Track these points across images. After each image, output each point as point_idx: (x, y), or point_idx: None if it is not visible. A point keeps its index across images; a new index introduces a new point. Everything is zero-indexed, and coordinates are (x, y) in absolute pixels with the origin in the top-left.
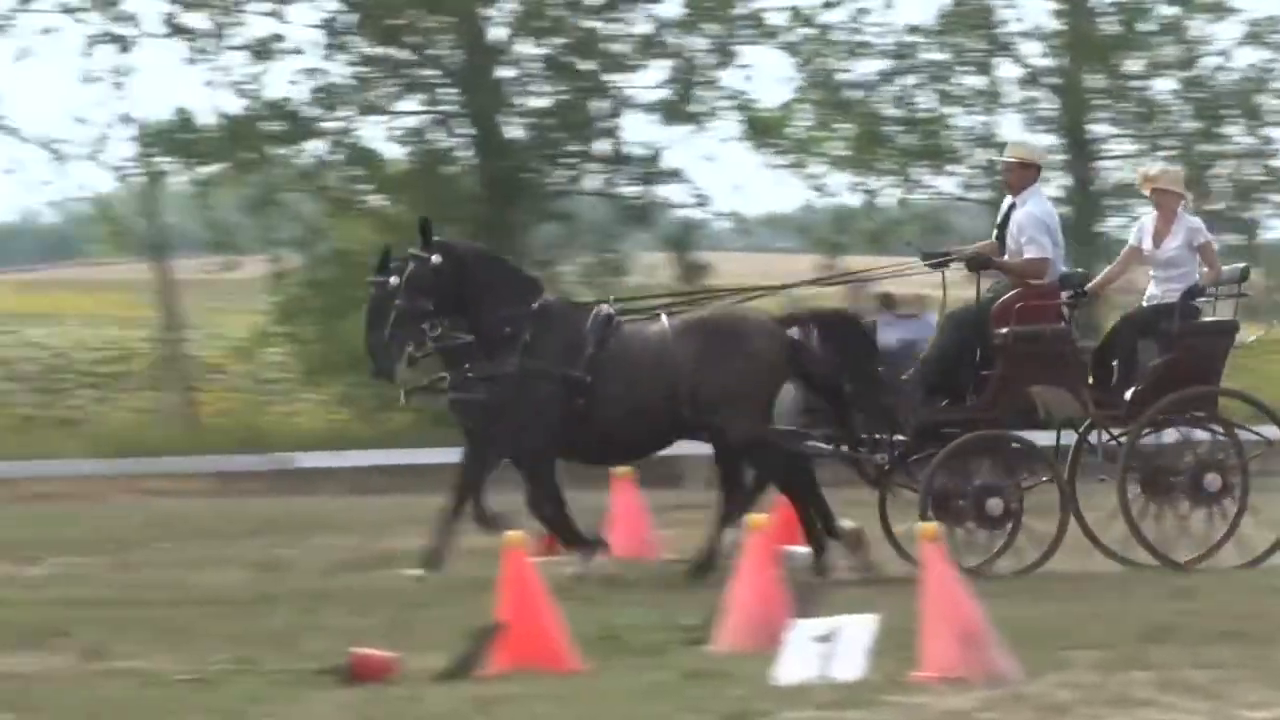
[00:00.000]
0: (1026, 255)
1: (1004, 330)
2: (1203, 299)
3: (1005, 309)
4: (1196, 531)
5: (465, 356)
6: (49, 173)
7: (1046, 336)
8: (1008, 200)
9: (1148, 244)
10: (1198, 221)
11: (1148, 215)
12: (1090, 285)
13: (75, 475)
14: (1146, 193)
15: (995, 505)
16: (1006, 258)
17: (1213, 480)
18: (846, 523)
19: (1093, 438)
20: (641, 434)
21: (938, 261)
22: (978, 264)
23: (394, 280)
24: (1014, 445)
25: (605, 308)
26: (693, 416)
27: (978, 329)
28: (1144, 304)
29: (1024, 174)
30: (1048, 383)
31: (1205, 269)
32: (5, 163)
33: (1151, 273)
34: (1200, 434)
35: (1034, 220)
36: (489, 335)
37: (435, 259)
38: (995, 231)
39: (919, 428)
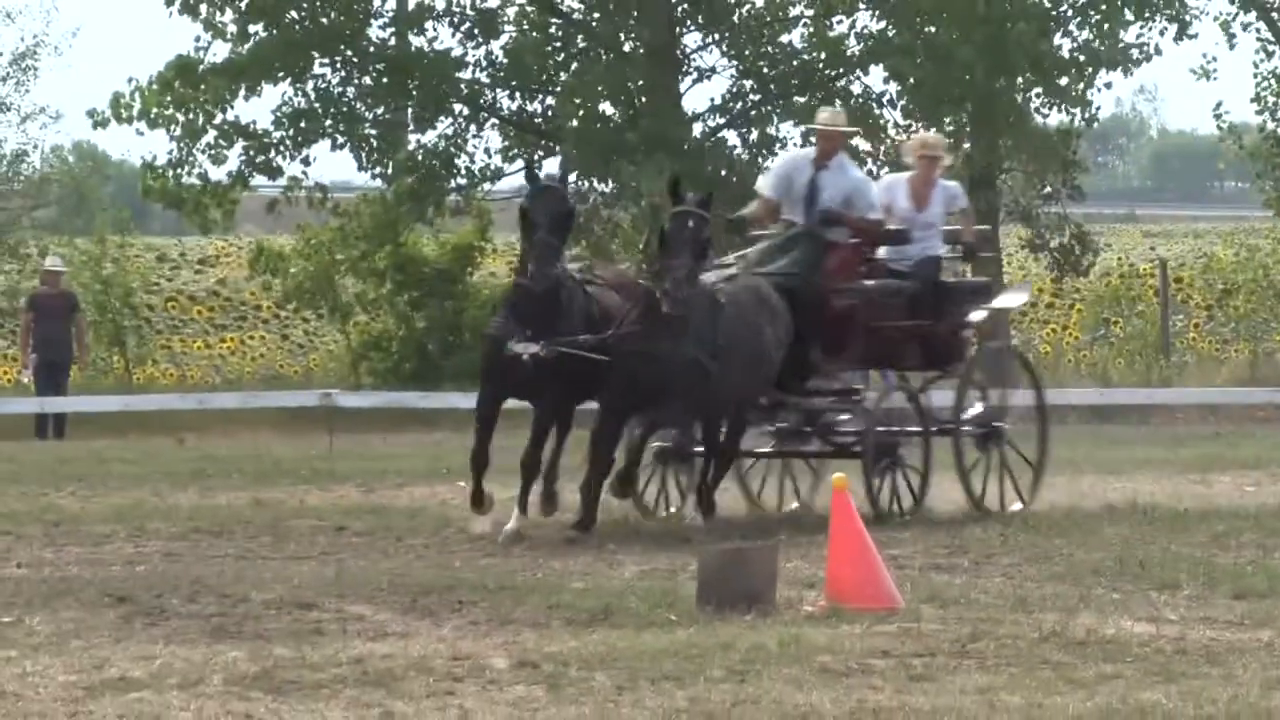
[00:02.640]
0: (875, 218)
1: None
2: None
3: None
4: None
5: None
6: None
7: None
8: (804, 164)
9: (905, 204)
10: (956, 187)
11: (902, 175)
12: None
13: None
14: (912, 159)
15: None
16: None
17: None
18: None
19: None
20: None
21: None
22: (832, 220)
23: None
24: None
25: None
26: None
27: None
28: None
29: (840, 142)
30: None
31: (965, 233)
32: None
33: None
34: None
35: (870, 187)
36: None
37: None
38: (777, 190)
39: None
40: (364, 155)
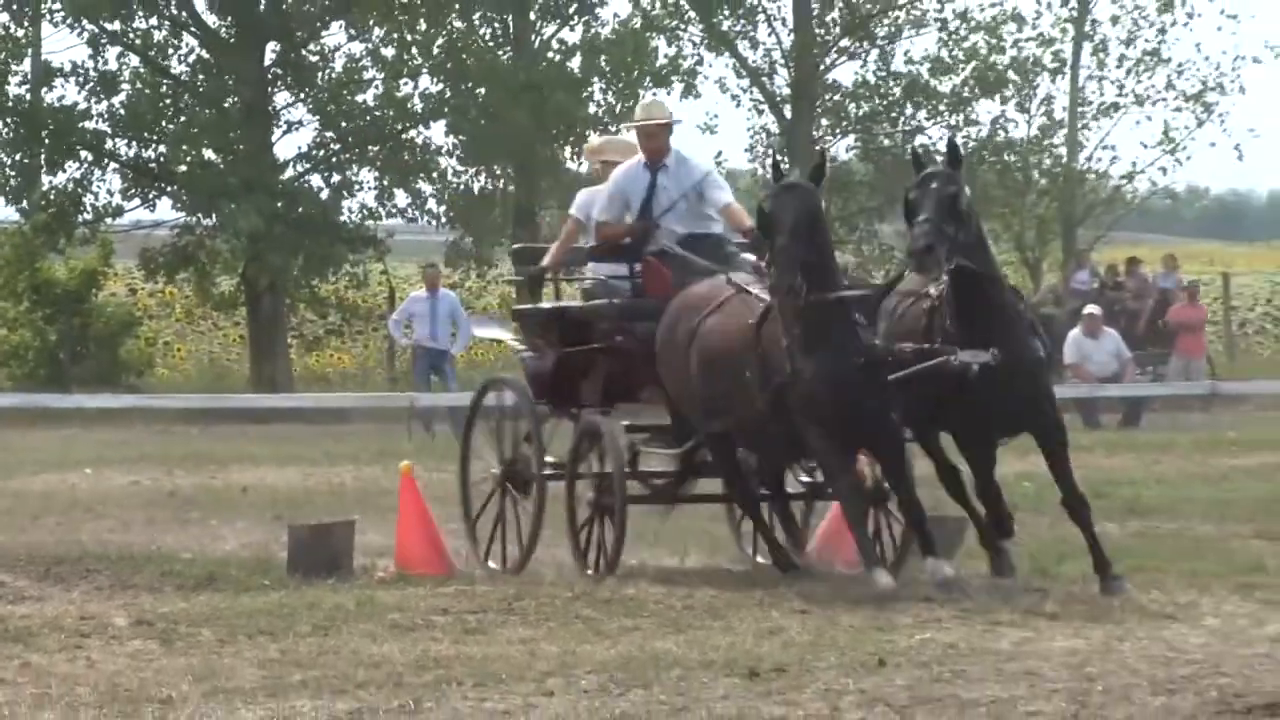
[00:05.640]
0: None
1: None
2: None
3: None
4: None
5: None
6: None
7: None
8: (636, 172)
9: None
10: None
11: (602, 187)
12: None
13: None
14: (599, 165)
15: None
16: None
17: None
18: None
19: None
20: None
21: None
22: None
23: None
24: None
25: None
26: None
27: None
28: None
29: (665, 135)
30: None
31: None
32: None
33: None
34: None
35: (717, 174)
36: None
37: None
38: (614, 212)
39: None
40: (4, 195)
